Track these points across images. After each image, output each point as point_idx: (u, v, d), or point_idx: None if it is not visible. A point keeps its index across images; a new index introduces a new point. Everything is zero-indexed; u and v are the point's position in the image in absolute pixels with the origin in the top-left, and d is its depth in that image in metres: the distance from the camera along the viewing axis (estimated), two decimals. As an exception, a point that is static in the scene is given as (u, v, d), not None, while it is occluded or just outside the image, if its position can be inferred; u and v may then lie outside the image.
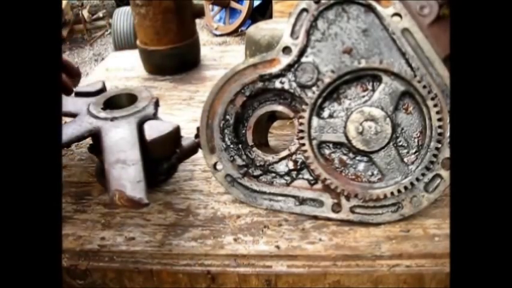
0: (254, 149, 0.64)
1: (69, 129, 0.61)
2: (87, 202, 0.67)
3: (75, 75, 0.77)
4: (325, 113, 0.59)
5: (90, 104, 0.66)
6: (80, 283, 0.57)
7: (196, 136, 0.66)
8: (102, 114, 0.64)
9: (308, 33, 0.58)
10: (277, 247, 0.56)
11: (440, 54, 0.54)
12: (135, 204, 0.50)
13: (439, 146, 0.55)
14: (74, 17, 4.69)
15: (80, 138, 0.61)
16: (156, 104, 0.67)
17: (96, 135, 0.61)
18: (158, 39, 1.05)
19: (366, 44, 0.56)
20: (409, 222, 0.58)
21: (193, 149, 0.68)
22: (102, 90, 0.73)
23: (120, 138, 0.58)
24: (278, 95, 0.62)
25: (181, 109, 0.94)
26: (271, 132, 0.74)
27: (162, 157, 0.65)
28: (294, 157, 0.61)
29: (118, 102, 0.69)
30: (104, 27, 4.82)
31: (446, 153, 0.55)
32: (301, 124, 0.58)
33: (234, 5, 4.14)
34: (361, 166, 0.59)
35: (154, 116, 0.65)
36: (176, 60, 1.09)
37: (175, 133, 0.62)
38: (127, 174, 0.53)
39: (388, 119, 0.56)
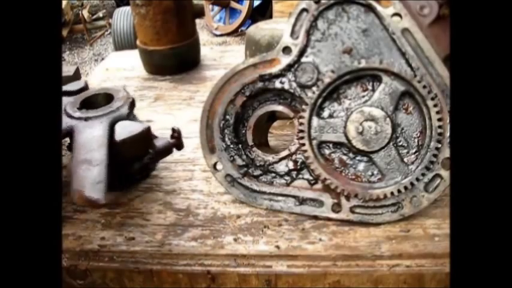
0: (254, 149, 0.64)
1: None
2: (87, 202, 0.67)
3: None
4: (325, 113, 0.59)
5: (68, 103, 0.67)
6: (80, 283, 0.57)
7: (172, 136, 0.66)
8: (77, 113, 0.64)
9: (308, 33, 0.58)
10: (277, 247, 0.56)
11: (440, 54, 0.54)
12: (92, 204, 0.52)
13: (439, 146, 0.55)
14: (74, 17, 4.69)
15: None
16: (132, 105, 0.67)
17: (70, 135, 0.62)
18: (158, 39, 1.05)
19: (366, 44, 0.56)
20: (409, 222, 0.58)
21: (167, 149, 0.68)
22: (84, 89, 0.74)
23: (91, 138, 0.59)
24: (278, 95, 0.62)
25: (181, 109, 0.94)
26: (271, 132, 0.74)
27: (133, 157, 0.65)
28: (294, 157, 0.61)
29: (96, 101, 0.69)
30: (104, 27, 4.81)
31: (446, 153, 0.55)
32: (301, 124, 0.58)
33: (234, 5, 4.13)
34: (361, 166, 0.59)
35: (129, 116, 0.65)
36: (176, 60, 1.09)
37: (146, 134, 0.63)
38: (89, 174, 0.54)
39: (388, 119, 0.56)
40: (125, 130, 0.61)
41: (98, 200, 0.52)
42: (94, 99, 0.70)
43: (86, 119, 0.63)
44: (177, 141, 0.69)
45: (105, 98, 0.69)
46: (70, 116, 0.64)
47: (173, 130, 0.69)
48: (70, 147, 0.69)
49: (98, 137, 0.59)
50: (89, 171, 0.54)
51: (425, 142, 0.56)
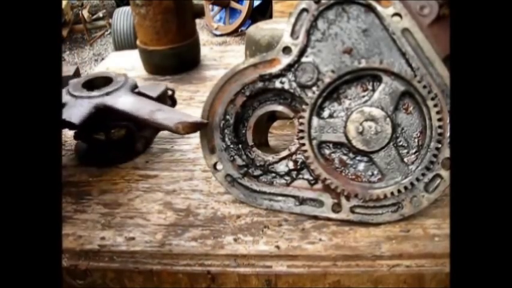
0: (254, 149, 0.64)
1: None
2: (87, 202, 0.67)
3: None
4: (325, 113, 0.59)
5: (71, 82, 0.75)
6: (80, 283, 0.57)
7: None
8: (76, 92, 0.72)
9: (308, 33, 0.58)
10: (277, 247, 0.56)
11: (440, 54, 0.54)
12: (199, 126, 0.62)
13: (439, 146, 0.55)
14: (74, 17, 4.69)
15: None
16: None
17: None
18: (158, 39, 1.05)
19: (366, 44, 0.56)
20: (409, 222, 0.58)
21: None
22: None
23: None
24: (278, 95, 0.62)
25: (181, 109, 0.94)
26: (271, 132, 0.74)
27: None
28: (294, 157, 0.61)
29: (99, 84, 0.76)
30: (104, 27, 4.81)
31: (446, 153, 0.55)
32: (301, 124, 0.58)
33: (234, 5, 4.13)
34: (361, 166, 0.59)
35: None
36: (176, 60, 1.09)
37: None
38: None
39: (388, 119, 0.56)
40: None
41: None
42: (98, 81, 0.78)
43: (77, 97, 0.71)
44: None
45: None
46: (70, 94, 0.73)
47: None
48: (78, 136, 0.75)
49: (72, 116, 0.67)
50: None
51: (425, 142, 0.56)
